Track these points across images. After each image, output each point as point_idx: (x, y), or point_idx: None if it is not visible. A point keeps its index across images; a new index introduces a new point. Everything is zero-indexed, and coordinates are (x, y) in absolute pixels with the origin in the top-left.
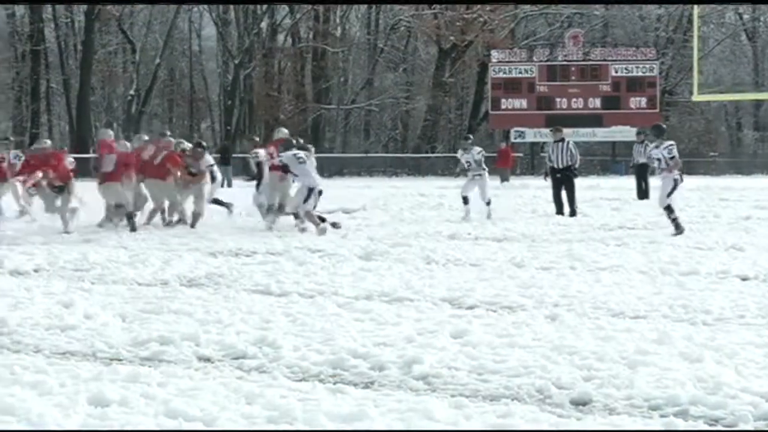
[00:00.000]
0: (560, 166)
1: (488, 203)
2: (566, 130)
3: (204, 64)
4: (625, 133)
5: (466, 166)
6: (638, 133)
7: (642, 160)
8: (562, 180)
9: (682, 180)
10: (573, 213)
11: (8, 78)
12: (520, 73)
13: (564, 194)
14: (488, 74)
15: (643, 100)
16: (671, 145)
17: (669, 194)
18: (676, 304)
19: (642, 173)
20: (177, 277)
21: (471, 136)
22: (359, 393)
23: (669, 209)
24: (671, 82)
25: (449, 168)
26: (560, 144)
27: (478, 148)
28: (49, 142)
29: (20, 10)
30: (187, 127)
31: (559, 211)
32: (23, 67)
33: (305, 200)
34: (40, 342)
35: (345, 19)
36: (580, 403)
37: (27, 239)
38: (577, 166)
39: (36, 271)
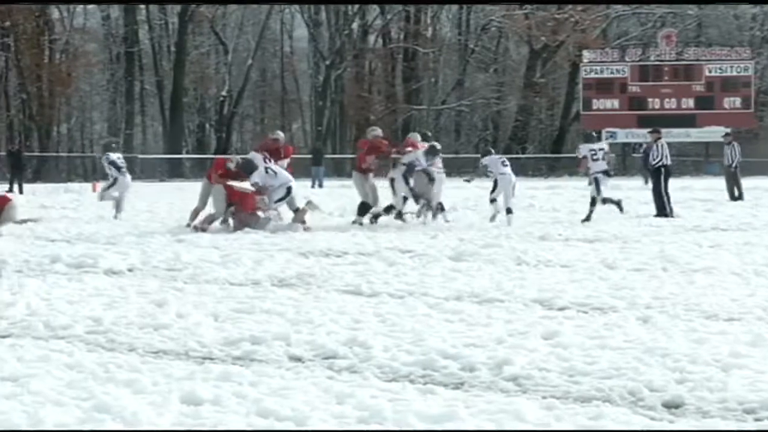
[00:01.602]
0: (651, 167)
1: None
2: None
3: (295, 65)
4: (718, 133)
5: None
6: (726, 135)
7: (730, 162)
8: (654, 179)
9: (606, 175)
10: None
11: (103, 79)
12: (612, 73)
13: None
14: (580, 74)
15: (738, 101)
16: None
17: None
18: None
19: (733, 174)
20: (268, 277)
21: (488, 144)
22: (449, 394)
23: (593, 203)
24: (767, 82)
25: (539, 168)
26: (654, 145)
27: (486, 157)
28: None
29: (115, 12)
30: (278, 128)
31: (660, 212)
32: (118, 68)
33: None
34: (134, 341)
35: (436, 19)
36: (673, 406)
37: (121, 239)
38: (655, 164)
39: (130, 270)
